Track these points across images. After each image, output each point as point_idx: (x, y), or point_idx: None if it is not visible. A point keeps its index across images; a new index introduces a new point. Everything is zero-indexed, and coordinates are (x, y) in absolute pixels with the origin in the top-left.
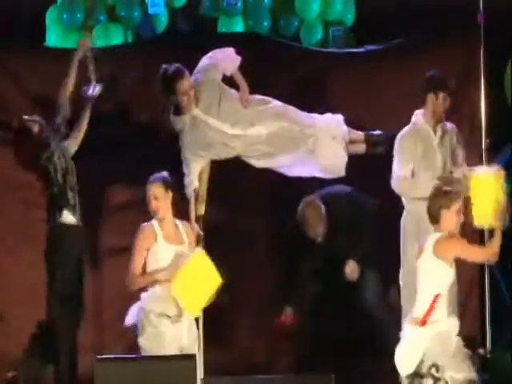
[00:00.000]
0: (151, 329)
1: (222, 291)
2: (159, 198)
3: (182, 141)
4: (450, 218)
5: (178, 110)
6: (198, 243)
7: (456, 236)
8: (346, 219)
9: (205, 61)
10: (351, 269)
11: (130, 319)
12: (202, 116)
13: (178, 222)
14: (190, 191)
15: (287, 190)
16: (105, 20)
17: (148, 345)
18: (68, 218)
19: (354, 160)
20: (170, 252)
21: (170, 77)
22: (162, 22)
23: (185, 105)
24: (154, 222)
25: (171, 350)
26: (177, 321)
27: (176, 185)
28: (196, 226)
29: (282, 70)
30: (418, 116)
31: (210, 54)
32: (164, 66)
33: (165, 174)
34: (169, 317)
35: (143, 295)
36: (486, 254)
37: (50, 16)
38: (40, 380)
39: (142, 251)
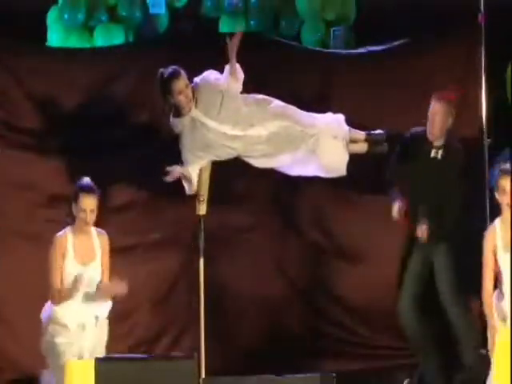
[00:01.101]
0: (48, 337)
1: (222, 291)
2: (95, 210)
3: (182, 142)
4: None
5: (178, 112)
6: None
7: (490, 233)
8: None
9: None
10: (422, 230)
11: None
12: (201, 117)
13: (95, 232)
14: (189, 191)
15: (288, 190)
16: (106, 20)
17: (44, 352)
18: None
19: (355, 159)
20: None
21: (166, 78)
22: (163, 22)
23: (183, 104)
24: (69, 234)
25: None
26: (77, 332)
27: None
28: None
29: (283, 70)
30: None
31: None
32: (161, 69)
33: (89, 180)
34: (67, 328)
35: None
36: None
37: (51, 16)
38: None
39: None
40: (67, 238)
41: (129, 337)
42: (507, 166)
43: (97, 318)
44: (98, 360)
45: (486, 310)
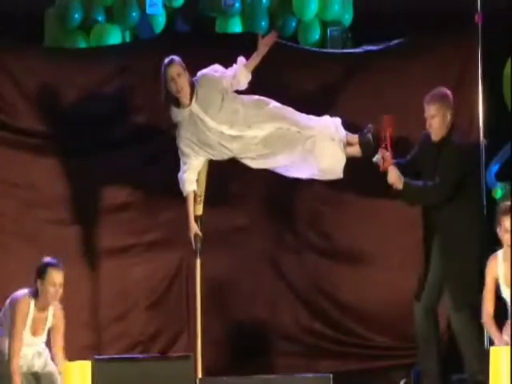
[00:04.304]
0: None
1: (219, 291)
2: (62, 285)
3: (180, 134)
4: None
5: (178, 103)
6: (196, 243)
7: (492, 262)
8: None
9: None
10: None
11: None
12: (201, 114)
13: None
14: (187, 190)
15: (285, 191)
16: (103, 20)
17: None
18: None
19: (352, 160)
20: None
21: (163, 66)
22: (160, 22)
23: (174, 93)
24: (32, 304)
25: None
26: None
27: None
28: (195, 226)
29: (280, 70)
30: None
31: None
32: None
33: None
34: None
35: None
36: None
37: (48, 16)
38: None
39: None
40: (30, 307)
41: (125, 337)
42: (509, 203)
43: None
44: (95, 360)
45: (489, 330)
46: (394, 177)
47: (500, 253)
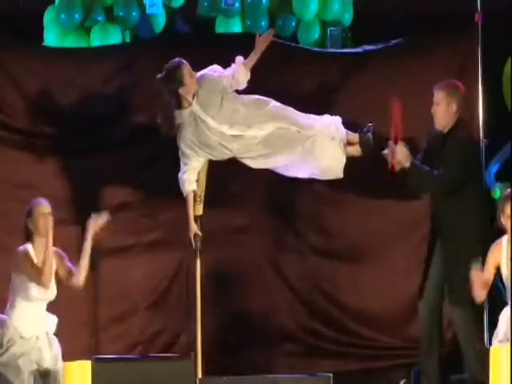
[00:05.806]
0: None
1: (219, 291)
2: (51, 215)
3: (181, 135)
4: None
5: (179, 104)
6: (196, 243)
7: (495, 249)
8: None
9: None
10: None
11: None
12: (201, 114)
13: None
14: (187, 190)
15: (285, 190)
16: (103, 20)
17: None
18: None
19: (352, 159)
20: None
21: (173, 67)
22: (160, 23)
23: (184, 93)
24: (29, 247)
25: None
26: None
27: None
28: (194, 226)
29: (280, 70)
30: None
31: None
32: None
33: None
34: (23, 338)
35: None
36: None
37: (48, 16)
38: None
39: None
40: (30, 254)
41: (125, 337)
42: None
43: (47, 333)
44: (95, 360)
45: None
46: (402, 153)
47: (504, 239)
